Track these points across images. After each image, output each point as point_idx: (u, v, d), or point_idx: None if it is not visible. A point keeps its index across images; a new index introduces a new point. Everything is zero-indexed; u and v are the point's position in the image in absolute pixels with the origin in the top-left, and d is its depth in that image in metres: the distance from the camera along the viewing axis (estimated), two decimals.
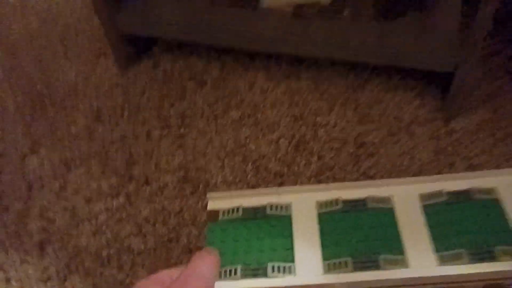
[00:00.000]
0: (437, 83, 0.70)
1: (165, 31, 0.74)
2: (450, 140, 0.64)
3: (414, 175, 0.60)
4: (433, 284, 0.36)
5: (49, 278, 0.57)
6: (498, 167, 0.60)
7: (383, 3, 0.65)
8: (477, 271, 0.34)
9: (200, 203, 0.61)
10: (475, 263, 0.34)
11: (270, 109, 0.72)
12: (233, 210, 0.40)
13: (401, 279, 0.35)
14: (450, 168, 0.60)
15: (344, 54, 0.65)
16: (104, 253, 0.57)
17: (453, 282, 0.36)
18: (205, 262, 0.34)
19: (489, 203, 0.37)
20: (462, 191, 0.39)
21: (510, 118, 0.65)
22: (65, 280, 0.56)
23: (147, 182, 0.64)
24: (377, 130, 0.67)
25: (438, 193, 0.39)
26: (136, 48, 0.84)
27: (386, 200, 0.39)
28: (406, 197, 0.39)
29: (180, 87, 0.79)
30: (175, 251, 0.56)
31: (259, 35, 0.69)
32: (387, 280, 0.35)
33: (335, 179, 0.61)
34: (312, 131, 0.68)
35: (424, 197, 0.39)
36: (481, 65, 0.72)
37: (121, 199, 0.63)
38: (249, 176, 0.63)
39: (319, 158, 0.64)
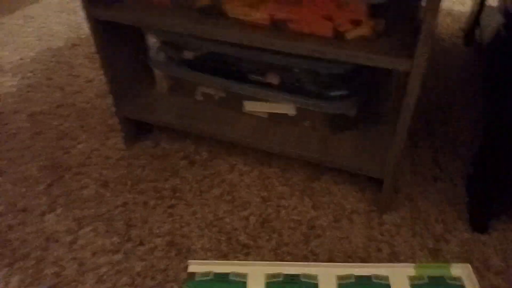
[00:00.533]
0: (376, 181, 0.90)
1: (162, 119, 0.94)
2: (380, 230, 0.83)
3: (349, 256, 0.78)
4: None
5: None
6: (413, 255, 0.78)
7: (334, 119, 0.87)
8: None
9: (182, 264, 0.77)
10: None
11: (245, 189, 0.91)
12: (207, 273, 0.58)
13: None
14: (377, 252, 0.79)
15: (303, 154, 0.85)
16: None
17: None
18: None
19: (383, 287, 0.56)
20: (366, 276, 0.57)
21: (426, 216, 0.85)
22: None
23: (141, 243, 0.81)
24: (326, 216, 0.86)
25: (349, 276, 0.57)
26: (140, 128, 1.04)
27: (314, 277, 0.58)
28: (327, 276, 0.57)
29: (174, 164, 0.97)
30: None
31: (240, 131, 0.89)
32: None
33: (289, 254, 0.79)
34: (275, 212, 0.87)
35: (339, 277, 0.57)
36: (409, 171, 0.93)
37: (120, 255, 0.79)
38: (222, 245, 0.80)
39: (279, 235, 0.82)
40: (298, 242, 0.81)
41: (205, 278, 0.59)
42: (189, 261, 0.60)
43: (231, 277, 0.58)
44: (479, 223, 0.82)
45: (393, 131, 0.76)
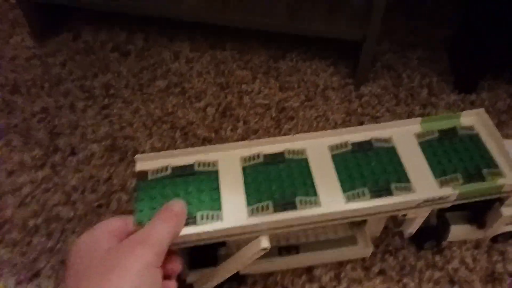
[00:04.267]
0: (349, 53, 0.77)
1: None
2: (360, 103, 0.71)
3: None
4: (342, 218, 0.41)
5: None
6: None
7: None
8: (377, 204, 0.40)
9: (129, 170, 0.62)
10: (375, 198, 0.40)
11: (197, 78, 0.75)
12: (161, 169, 0.43)
13: (315, 216, 0.40)
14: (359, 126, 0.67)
15: (270, 22, 0.69)
16: (31, 223, 0.56)
17: (357, 216, 0.41)
18: (166, 225, 0.35)
19: (386, 150, 0.44)
20: (364, 141, 0.45)
21: (409, 83, 0.74)
22: None
23: (73, 153, 0.64)
24: (296, 96, 0.72)
25: (344, 144, 0.44)
26: (53, 18, 0.81)
27: (301, 152, 0.44)
28: (317, 148, 0.44)
29: (103, 58, 0.78)
30: (106, 216, 0.57)
31: (189, 4, 0.70)
32: (302, 217, 0.40)
33: None
34: (237, 99, 0.72)
35: (332, 148, 0.44)
36: (387, 37, 0.80)
37: (47, 170, 0.62)
38: (178, 142, 0.65)
39: (245, 123, 0.68)
40: (268, 128, 0.67)
41: (161, 175, 0.43)
42: (136, 156, 0.44)
43: (197, 168, 0.43)
44: (466, 83, 0.72)
45: None
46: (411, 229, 0.47)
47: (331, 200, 0.40)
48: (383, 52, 0.79)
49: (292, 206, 0.40)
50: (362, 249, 0.48)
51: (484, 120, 0.45)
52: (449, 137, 0.44)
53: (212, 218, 0.39)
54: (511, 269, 0.51)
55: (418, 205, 0.41)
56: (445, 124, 0.46)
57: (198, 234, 0.38)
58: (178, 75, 0.75)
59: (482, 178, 0.40)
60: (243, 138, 0.66)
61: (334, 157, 0.44)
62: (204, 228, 0.38)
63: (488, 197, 0.42)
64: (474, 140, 0.44)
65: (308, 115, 0.69)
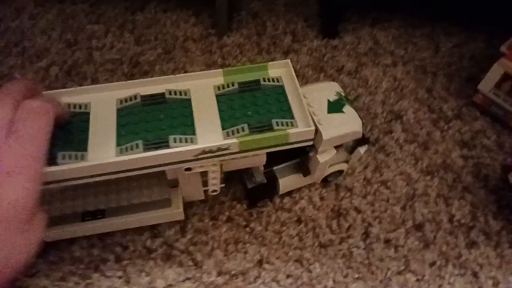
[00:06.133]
0: (213, 2, 0.73)
1: None
2: (221, 53, 0.68)
3: None
4: (115, 172, 0.37)
5: None
6: None
7: None
8: (148, 155, 0.36)
9: None
10: (149, 151, 0.36)
11: (39, 35, 0.67)
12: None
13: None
14: None
15: None
16: None
17: (132, 169, 0.37)
18: (39, 120, 0.31)
19: (181, 102, 0.40)
20: (158, 94, 0.41)
21: (273, 31, 0.71)
22: None
23: None
24: (154, 49, 0.67)
25: (134, 97, 0.40)
26: None
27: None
28: (104, 101, 0.40)
29: None
30: None
31: None
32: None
33: None
34: (86, 55, 0.65)
35: (120, 101, 0.40)
36: None
37: None
38: None
39: (93, 80, 0.62)
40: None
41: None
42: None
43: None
44: (329, 28, 0.72)
45: None
46: (212, 186, 0.44)
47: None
48: (250, 0, 0.76)
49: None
50: (175, 212, 0.45)
51: (288, 71, 0.43)
52: (250, 89, 0.42)
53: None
54: (357, 203, 0.52)
55: (197, 157, 0.38)
56: (249, 76, 0.43)
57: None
58: (18, 33, 0.67)
59: (271, 129, 0.38)
60: None
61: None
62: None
63: (286, 147, 0.40)
64: (277, 91, 0.42)
65: (165, 68, 0.65)
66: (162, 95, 0.41)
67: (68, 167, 0.34)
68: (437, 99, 0.63)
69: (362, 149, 0.48)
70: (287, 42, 0.70)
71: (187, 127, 0.38)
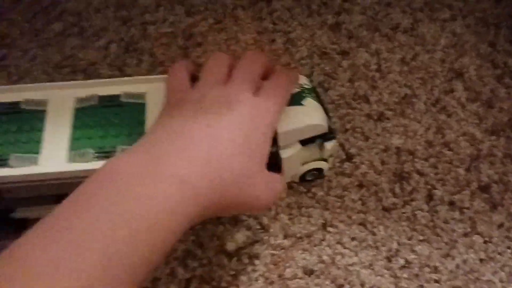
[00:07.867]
0: None
1: None
2: (271, 19, 0.67)
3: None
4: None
5: None
6: (312, 36, 0.65)
7: None
8: None
9: None
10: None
11: (95, 14, 0.69)
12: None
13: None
14: (271, 45, 0.64)
15: None
16: None
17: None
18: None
19: (35, 115, 0.39)
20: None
21: None
22: None
23: None
24: (205, 20, 0.67)
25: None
26: None
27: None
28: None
29: None
30: None
31: None
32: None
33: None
34: (141, 30, 0.67)
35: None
36: None
37: None
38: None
39: (150, 55, 0.64)
40: (175, 57, 0.64)
41: None
42: None
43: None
44: None
45: None
46: None
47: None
48: None
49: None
50: None
51: (157, 87, 0.41)
52: (109, 105, 0.40)
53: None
54: (419, 166, 0.52)
55: (43, 182, 0.36)
56: (111, 89, 0.41)
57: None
58: (75, 14, 0.69)
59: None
60: (149, 71, 0.62)
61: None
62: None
63: None
64: (138, 109, 0.40)
65: (218, 39, 0.65)
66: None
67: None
68: (501, 53, 0.60)
69: (328, 145, 0.44)
70: (338, 2, 0.68)
71: (30, 144, 0.37)
